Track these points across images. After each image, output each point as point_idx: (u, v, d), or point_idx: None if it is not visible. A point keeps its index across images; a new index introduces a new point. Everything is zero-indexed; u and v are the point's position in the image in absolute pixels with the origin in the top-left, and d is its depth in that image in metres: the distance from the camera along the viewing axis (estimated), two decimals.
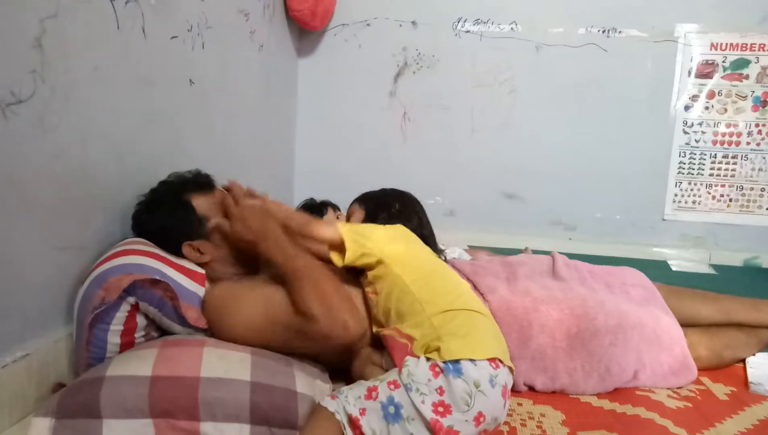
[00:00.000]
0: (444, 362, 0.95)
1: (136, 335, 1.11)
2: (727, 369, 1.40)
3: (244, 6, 1.85)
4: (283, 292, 1.08)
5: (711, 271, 2.26)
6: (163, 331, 1.15)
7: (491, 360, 0.97)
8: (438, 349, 0.97)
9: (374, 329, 1.14)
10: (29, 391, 1.01)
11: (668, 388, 1.28)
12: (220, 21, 1.67)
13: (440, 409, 0.92)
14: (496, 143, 2.46)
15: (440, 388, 0.93)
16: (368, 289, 1.16)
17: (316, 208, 1.84)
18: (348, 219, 1.44)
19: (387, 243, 1.16)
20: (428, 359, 0.97)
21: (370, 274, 1.15)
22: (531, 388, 1.25)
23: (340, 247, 1.15)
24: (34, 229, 1.01)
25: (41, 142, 1.00)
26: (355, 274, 1.21)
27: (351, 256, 1.13)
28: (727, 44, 2.29)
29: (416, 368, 0.96)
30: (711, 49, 2.30)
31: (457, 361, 0.95)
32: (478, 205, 2.51)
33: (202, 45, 1.57)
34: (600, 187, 2.42)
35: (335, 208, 1.87)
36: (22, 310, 1.00)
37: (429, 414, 0.91)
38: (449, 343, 0.97)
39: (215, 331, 1.12)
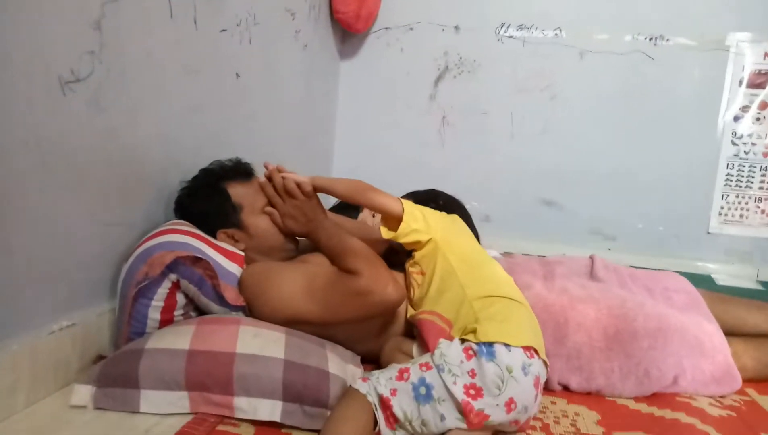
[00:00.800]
0: (478, 344, 0.94)
1: (175, 313, 1.14)
2: None
3: (290, 5, 1.89)
4: (324, 265, 1.12)
5: (758, 287, 2.18)
6: (201, 311, 1.17)
7: (526, 348, 0.96)
8: (474, 331, 0.97)
9: (411, 313, 1.15)
10: (72, 359, 1.05)
11: (710, 396, 1.23)
12: (268, 18, 1.71)
13: (472, 391, 0.91)
14: (535, 149, 2.43)
15: (472, 370, 0.92)
16: (413, 269, 1.18)
17: (352, 207, 1.85)
18: None
19: (441, 225, 1.19)
20: (462, 341, 0.97)
21: (417, 254, 1.18)
22: (565, 388, 1.22)
23: (395, 222, 1.17)
24: (85, 204, 1.05)
25: (95, 121, 1.05)
26: (400, 259, 1.23)
27: (404, 228, 1.15)
28: None
29: (449, 350, 0.96)
30: (764, 59, 2.23)
31: (491, 344, 0.94)
32: (515, 211, 2.48)
33: (249, 40, 1.61)
34: (642, 198, 2.37)
35: None
36: (70, 280, 1.04)
37: (460, 395, 0.90)
38: (486, 325, 0.97)
39: (254, 306, 1.14)
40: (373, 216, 1.83)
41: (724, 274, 2.29)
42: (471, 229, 1.41)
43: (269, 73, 1.79)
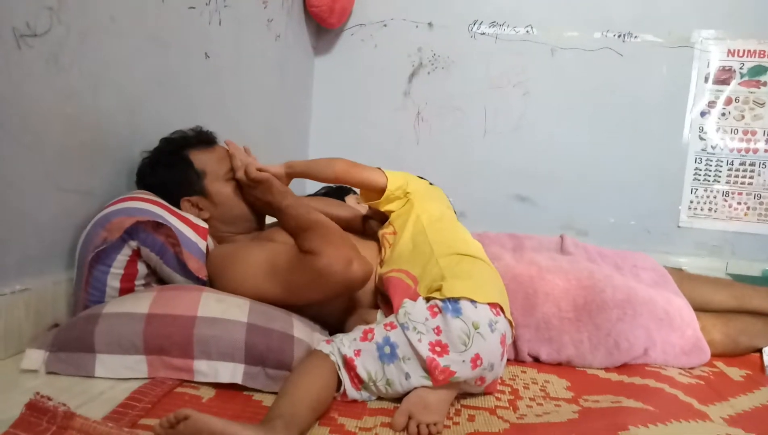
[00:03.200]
0: (444, 301, 0.93)
1: (136, 283, 1.10)
2: (743, 357, 1.34)
3: None
4: (288, 244, 1.08)
5: (728, 279, 2.20)
6: (163, 283, 1.14)
7: (492, 305, 0.95)
8: (440, 289, 0.95)
9: (382, 271, 1.14)
10: (26, 326, 1.00)
11: (679, 368, 1.23)
12: (238, 2, 1.70)
13: (437, 348, 0.89)
14: (508, 145, 2.45)
15: (437, 327, 0.91)
16: (386, 230, 1.19)
17: (334, 193, 1.84)
18: None
19: (420, 188, 1.23)
20: (427, 300, 0.96)
21: (393, 215, 1.20)
22: (536, 359, 1.21)
23: (379, 193, 1.21)
24: (40, 166, 1.02)
25: (54, 80, 1.02)
26: (373, 229, 1.25)
27: (388, 196, 1.19)
28: (744, 51, 2.28)
29: (413, 308, 0.94)
30: (728, 56, 2.29)
31: (456, 300, 0.92)
32: (489, 207, 2.48)
33: (219, 21, 1.60)
34: (613, 193, 2.39)
35: (354, 192, 1.87)
36: (23, 244, 1.00)
37: (425, 352, 0.88)
38: (451, 282, 0.96)
39: (217, 283, 1.11)
40: (358, 202, 1.82)
41: (695, 267, 2.30)
42: None
43: (240, 59, 1.78)
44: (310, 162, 1.28)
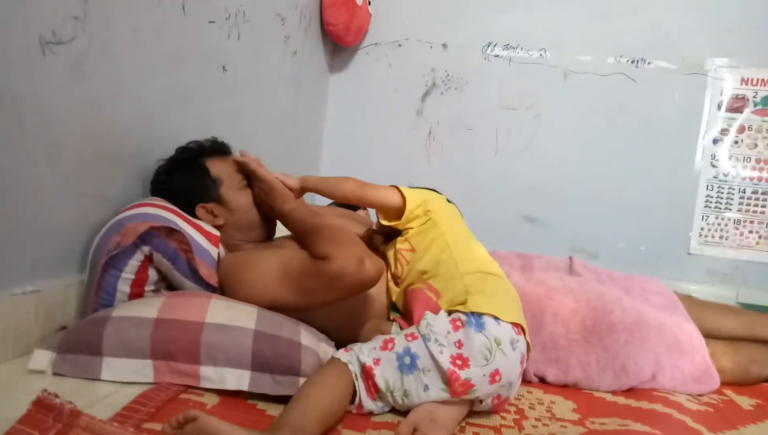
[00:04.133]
0: (467, 314, 0.93)
1: (146, 288, 1.11)
2: (753, 387, 1.32)
3: (281, 10, 1.92)
4: (299, 250, 1.10)
5: None
6: (173, 289, 1.15)
7: (515, 325, 0.95)
8: (464, 302, 0.96)
9: (401, 287, 1.14)
10: (35, 328, 1.01)
11: (688, 394, 1.21)
12: (257, 18, 1.74)
13: (458, 362, 0.89)
14: (519, 166, 2.46)
15: (459, 341, 0.91)
16: (403, 246, 1.17)
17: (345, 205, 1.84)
18: None
19: (440, 205, 1.22)
20: (450, 313, 0.96)
21: (411, 232, 1.18)
22: (542, 380, 1.20)
23: (396, 212, 1.19)
24: (59, 169, 1.04)
25: (76, 87, 1.04)
26: (377, 244, 1.25)
27: (410, 205, 1.17)
28: (758, 80, 2.28)
29: (435, 320, 0.95)
30: (741, 84, 2.30)
31: (480, 315, 0.93)
32: (499, 227, 2.47)
33: (237, 36, 1.63)
34: (624, 217, 2.38)
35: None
36: (37, 246, 1.02)
37: (446, 364, 0.89)
38: (476, 297, 0.97)
39: (228, 290, 1.12)
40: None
41: (705, 294, 2.26)
42: None
43: (257, 72, 1.81)
44: (322, 179, 1.28)
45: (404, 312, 1.10)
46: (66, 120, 1.04)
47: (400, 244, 1.19)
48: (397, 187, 1.22)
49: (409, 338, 0.94)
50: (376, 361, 0.91)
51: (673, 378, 1.22)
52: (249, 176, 1.23)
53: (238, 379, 0.92)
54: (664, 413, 1.05)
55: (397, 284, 1.16)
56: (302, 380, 0.92)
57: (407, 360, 0.91)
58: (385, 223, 1.21)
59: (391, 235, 1.24)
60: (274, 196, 1.18)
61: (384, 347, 0.93)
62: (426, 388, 0.89)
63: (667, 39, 2.32)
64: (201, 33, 1.45)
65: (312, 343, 1.01)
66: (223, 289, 1.13)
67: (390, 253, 1.20)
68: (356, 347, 0.94)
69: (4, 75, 0.90)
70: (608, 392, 1.18)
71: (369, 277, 1.02)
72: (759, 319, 1.38)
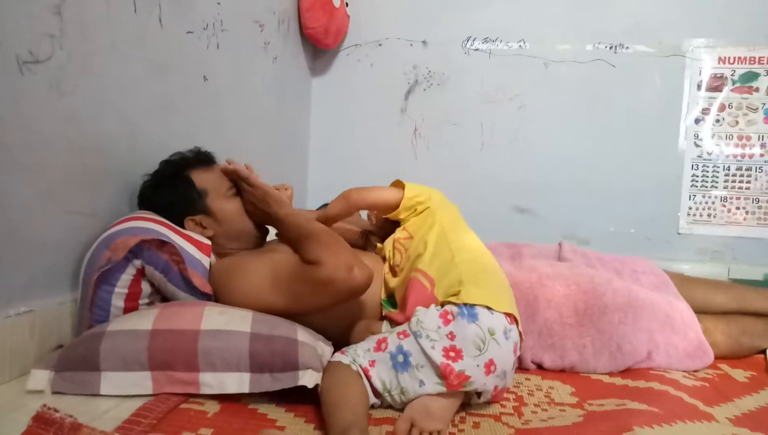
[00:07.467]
0: (459, 306, 0.94)
1: (140, 302, 1.11)
2: (747, 359, 1.34)
3: (258, 17, 1.92)
4: (289, 254, 1.10)
5: None
6: (167, 301, 1.15)
7: (507, 315, 0.96)
8: (457, 294, 0.96)
9: (399, 276, 1.15)
10: (30, 348, 1.01)
11: (684, 371, 1.23)
12: (235, 26, 1.74)
13: (451, 353, 0.90)
14: (506, 158, 2.47)
15: (450, 333, 0.92)
16: (401, 235, 1.20)
17: None
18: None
19: (438, 196, 1.27)
20: (441, 307, 0.97)
21: (410, 222, 1.23)
22: (539, 367, 1.21)
23: (393, 208, 1.24)
24: (45, 187, 1.04)
25: (57, 104, 1.04)
26: (373, 244, 1.28)
27: (409, 193, 1.22)
28: (735, 58, 2.31)
29: (425, 316, 0.95)
30: (719, 63, 2.32)
31: (473, 306, 0.94)
32: (489, 219, 2.45)
33: (216, 45, 1.64)
34: (613, 201, 2.41)
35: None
36: (28, 266, 1.02)
37: (439, 359, 0.90)
38: (469, 288, 0.98)
39: (221, 297, 1.12)
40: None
41: (697, 272, 2.29)
42: None
43: (238, 81, 1.81)
44: (328, 212, 1.30)
45: (399, 302, 1.11)
46: (49, 138, 1.04)
47: (398, 233, 1.22)
48: (399, 181, 1.28)
49: (401, 336, 0.94)
50: (372, 363, 0.93)
51: (668, 355, 1.23)
52: (237, 184, 1.23)
53: (238, 382, 0.93)
54: (660, 391, 1.06)
55: (395, 275, 1.17)
56: (301, 373, 0.93)
57: (400, 358, 0.92)
58: (383, 216, 1.26)
59: (387, 234, 1.25)
60: (269, 202, 1.18)
61: (378, 348, 0.94)
62: (422, 383, 0.90)
63: (644, 23, 2.34)
64: (180, 44, 1.45)
65: (309, 340, 1.01)
66: (217, 295, 1.13)
67: (388, 247, 1.21)
68: (351, 350, 0.95)
69: None
70: (605, 374, 1.19)
71: (357, 284, 1.01)
72: (748, 292, 1.40)
